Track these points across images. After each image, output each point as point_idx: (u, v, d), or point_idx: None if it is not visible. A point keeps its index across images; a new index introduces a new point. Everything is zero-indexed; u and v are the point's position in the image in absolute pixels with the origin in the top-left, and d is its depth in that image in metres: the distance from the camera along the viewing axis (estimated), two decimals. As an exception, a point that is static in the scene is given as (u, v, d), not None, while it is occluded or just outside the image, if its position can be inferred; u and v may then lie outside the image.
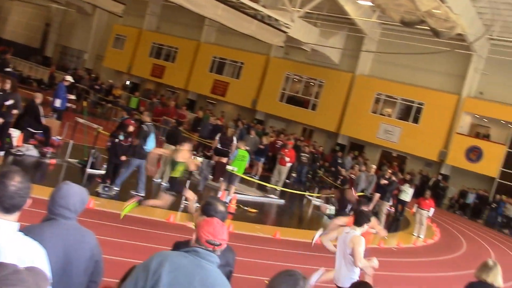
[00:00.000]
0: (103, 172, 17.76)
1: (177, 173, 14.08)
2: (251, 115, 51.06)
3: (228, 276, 4.58)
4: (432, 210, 24.43)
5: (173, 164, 14.12)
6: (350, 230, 9.38)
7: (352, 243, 9.11)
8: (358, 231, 9.29)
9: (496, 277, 8.22)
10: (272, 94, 49.69)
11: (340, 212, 18.30)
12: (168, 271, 3.87)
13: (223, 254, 4.25)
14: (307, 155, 30.82)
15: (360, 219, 9.38)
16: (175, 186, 14.22)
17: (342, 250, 9.37)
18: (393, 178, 24.76)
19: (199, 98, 55.56)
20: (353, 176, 27.34)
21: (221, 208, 5.16)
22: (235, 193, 19.65)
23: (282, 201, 23.92)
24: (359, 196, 24.48)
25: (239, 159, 19.91)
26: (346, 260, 9.26)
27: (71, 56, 64.90)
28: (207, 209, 5.09)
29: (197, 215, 5.10)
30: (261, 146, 28.30)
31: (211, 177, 21.56)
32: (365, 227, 9.40)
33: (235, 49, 52.56)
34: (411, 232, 24.59)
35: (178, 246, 5.16)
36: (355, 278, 9.20)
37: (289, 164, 27.34)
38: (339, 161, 35.69)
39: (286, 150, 27.46)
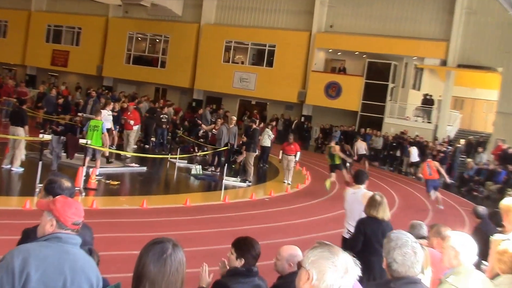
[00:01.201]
0: None
1: (338, 160, 23.61)
2: (98, 82, 50.05)
3: (89, 254, 4.47)
4: (298, 154, 24.78)
5: (331, 156, 23.57)
6: (355, 190, 10.46)
7: (365, 199, 9.63)
8: (363, 188, 10.44)
9: (385, 211, 8.60)
10: (117, 57, 48.89)
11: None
12: (36, 268, 3.67)
13: (79, 233, 4.12)
14: (166, 115, 30.42)
15: (361, 177, 10.67)
16: (340, 166, 23.96)
17: (353, 208, 10.27)
18: (254, 126, 24.92)
19: (40, 72, 53.80)
20: (214, 131, 27.32)
21: (67, 184, 4.94)
22: (92, 167, 19.21)
23: (144, 169, 23.67)
24: (225, 150, 24.70)
25: (91, 130, 19.47)
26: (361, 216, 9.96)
27: None
28: (51, 188, 4.84)
29: (42, 195, 4.86)
30: (113, 113, 27.76)
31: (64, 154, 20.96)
32: (366, 183, 10.66)
33: (70, 14, 51.07)
34: (281, 180, 25.01)
35: (28, 234, 4.82)
36: None
37: (136, 127, 26.95)
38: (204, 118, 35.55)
39: (129, 113, 26.98)
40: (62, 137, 20.16)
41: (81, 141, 18.95)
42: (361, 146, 31.18)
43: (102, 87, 47.95)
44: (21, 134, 19.19)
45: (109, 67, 49.33)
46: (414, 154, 32.30)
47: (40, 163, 16.67)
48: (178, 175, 23.84)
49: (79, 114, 29.03)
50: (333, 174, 23.62)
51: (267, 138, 27.75)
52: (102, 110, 22.19)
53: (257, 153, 25.50)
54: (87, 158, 18.90)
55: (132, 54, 49.17)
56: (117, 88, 48.57)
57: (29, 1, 53.86)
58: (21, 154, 19.39)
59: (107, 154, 22.60)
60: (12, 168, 19.06)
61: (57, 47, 52.02)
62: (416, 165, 31.61)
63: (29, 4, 53.93)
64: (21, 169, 19.16)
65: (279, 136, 37.77)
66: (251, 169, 23.81)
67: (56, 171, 17.45)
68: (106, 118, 22.62)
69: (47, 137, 19.19)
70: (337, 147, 24.22)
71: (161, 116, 29.23)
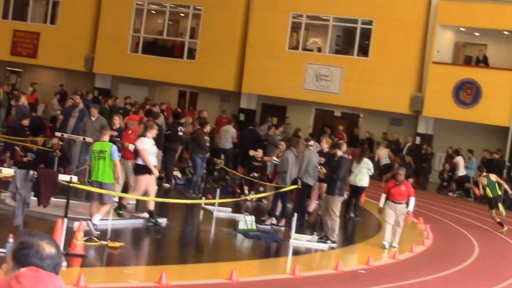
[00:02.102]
0: None
1: (499, 191, 30.65)
2: (87, 82, 50.50)
3: None
4: (412, 200, 23.94)
5: (491, 184, 29.57)
6: None
7: None
8: None
9: None
10: (118, 43, 49.31)
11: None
12: None
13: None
14: (207, 137, 30.40)
15: None
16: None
17: None
18: (339, 153, 24.45)
19: (-7, 67, 54.75)
20: (275, 160, 27.09)
21: (49, 249, 4.85)
22: (80, 219, 19.21)
23: (163, 221, 23.71)
24: (291, 190, 24.56)
25: (95, 158, 19.48)
26: None
27: None
28: (24, 256, 4.74)
29: (8, 268, 4.76)
30: (112, 132, 27.98)
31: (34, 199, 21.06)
32: None
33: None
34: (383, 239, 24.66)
35: None
36: None
37: None
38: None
39: (130, 132, 26.27)
40: (31, 172, 20.32)
41: (62, 177, 19.00)
42: None
43: (94, 90, 48.32)
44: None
45: (105, 58, 49.69)
46: (461, 165, 36.19)
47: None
48: (217, 232, 23.88)
49: (58, 134, 29.15)
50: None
51: (365, 173, 27.47)
52: (142, 138, 22.13)
53: (345, 197, 25.30)
54: (94, 203, 19.04)
55: (142, 38, 49.54)
56: (118, 92, 48.96)
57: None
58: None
59: (126, 202, 22.61)
60: None
61: (20, 26, 52.75)
62: (463, 180, 34.50)
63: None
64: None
65: (381, 168, 37.71)
66: (336, 222, 23.56)
67: (26, 228, 17.46)
68: (151, 151, 22.43)
69: (7, 171, 19.32)
70: (494, 175, 29.41)
71: (205, 137, 29.20)
